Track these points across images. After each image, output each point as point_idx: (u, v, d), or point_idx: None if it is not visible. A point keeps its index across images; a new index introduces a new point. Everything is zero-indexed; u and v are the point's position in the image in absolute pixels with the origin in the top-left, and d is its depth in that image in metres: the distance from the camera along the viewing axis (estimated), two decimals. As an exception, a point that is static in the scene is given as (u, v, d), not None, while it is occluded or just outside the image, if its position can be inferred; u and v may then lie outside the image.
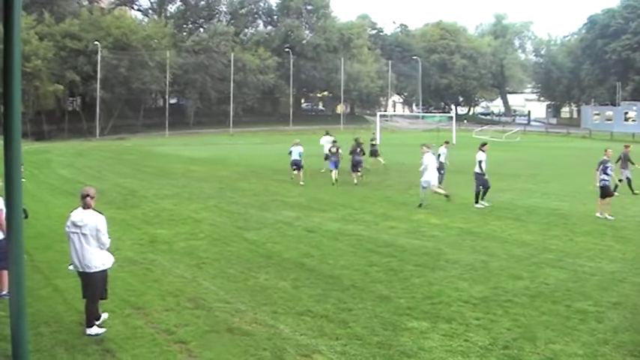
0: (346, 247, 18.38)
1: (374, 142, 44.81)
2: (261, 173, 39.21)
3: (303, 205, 26.35)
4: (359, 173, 35.19)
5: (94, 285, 11.19)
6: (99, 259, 11.18)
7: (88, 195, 11.18)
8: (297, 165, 35.57)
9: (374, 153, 42.88)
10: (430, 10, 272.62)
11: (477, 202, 26.19)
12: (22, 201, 5.04)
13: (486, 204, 26.21)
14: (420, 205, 25.65)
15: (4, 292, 12.49)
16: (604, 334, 11.26)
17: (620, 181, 30.40)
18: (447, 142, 34.79)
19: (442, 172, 31.74)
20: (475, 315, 12.11)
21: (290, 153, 36.26)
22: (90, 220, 11.03)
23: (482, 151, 26.81)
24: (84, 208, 11.14)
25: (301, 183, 34.27)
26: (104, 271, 11.35)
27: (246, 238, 19.73)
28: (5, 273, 12.09)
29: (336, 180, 34.02)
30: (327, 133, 43.56)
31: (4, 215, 11.83)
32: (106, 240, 11.26)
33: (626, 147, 32.45)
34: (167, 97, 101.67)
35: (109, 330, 11.37)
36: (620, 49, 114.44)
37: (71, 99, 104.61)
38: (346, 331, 11.39)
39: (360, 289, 14.00)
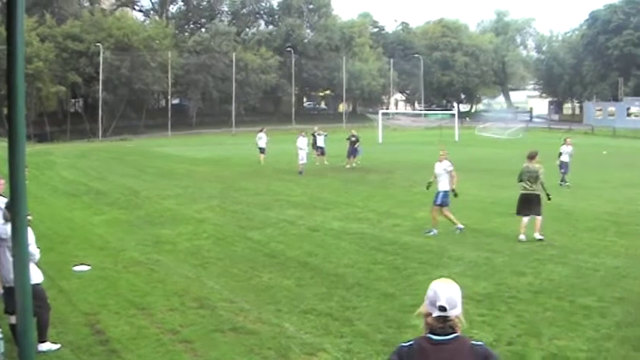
0: (350, 246, 18.41)
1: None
2: (263, 173, 39.22)
3: (306, 204, 26.37)
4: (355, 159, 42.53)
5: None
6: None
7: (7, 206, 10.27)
8: (321, 150, 44.84)
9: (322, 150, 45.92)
10: (431, 8, 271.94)
11: None
12: (26, 202, 5.07)
13: None
14: None
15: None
16: (608, 329, 11.28)
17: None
18: (566, 140, 35.13)
19: (562, 170, 32.87)
20: (479, 311, 12.13)
21: (316, 140, 45.16)
22: None
23: None
24: (5, 219, 10.27)
25: (326, 162, 43.97)
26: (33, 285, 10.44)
27: (250, 237, 19.77)
28: None
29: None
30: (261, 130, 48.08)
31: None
32: (35, 251, 10.31)
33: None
34: (169, 97, 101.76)
35: (113, 330, 11.40)
36: (622, 44, 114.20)
37: (73, 100, 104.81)
38: (351, 328, 11.42)
39: (364, 287, 14.03)
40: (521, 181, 19.37)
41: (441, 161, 20.38)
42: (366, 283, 14.42)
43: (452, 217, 20.33)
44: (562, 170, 32.68)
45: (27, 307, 5.29)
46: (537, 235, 18.81)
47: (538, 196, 19.12)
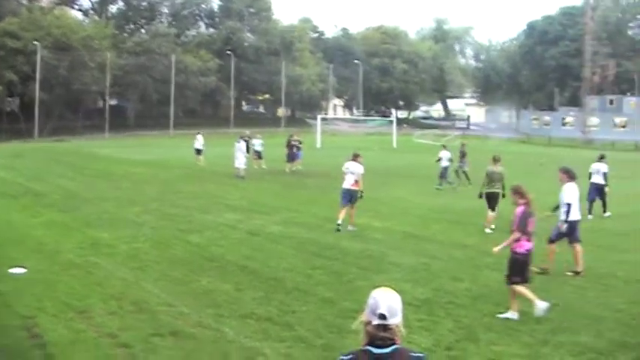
0: (289, 250, 18.43)
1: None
2: (201, 176, 39.05)
3: (245, 208, 26.34)
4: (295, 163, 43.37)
5: None
6: None
7: None
8: (258, 154, 44.97)
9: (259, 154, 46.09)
10: (371, 14, 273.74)
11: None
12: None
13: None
14: None
15: None
16: (544, 334, 11.50)
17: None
18: (444, 146, 37.41)
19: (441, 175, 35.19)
20: (418, 317, 12.24)
21: (253, 145, 44.63)
22: None
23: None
24: None
25: (263, 167, 44.04)
26: None
27: (189, 240, 19.67)
28: None
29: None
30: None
31: None
32: None
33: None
34: (107, 98, 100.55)
35: (51, 334, 11.26)
36: (558, 55, 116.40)
37: (9, 99, 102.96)
38: (291, 333, 11.44)
39: (303, 292, 14.06)
40: (489, 181, 22.30)
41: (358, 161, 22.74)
42: (306, 287, 14.46)
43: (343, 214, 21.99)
44: (441, 175, 34.86)
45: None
46: (490, 227, 21.70)
47: (500, 194, 21.81)
